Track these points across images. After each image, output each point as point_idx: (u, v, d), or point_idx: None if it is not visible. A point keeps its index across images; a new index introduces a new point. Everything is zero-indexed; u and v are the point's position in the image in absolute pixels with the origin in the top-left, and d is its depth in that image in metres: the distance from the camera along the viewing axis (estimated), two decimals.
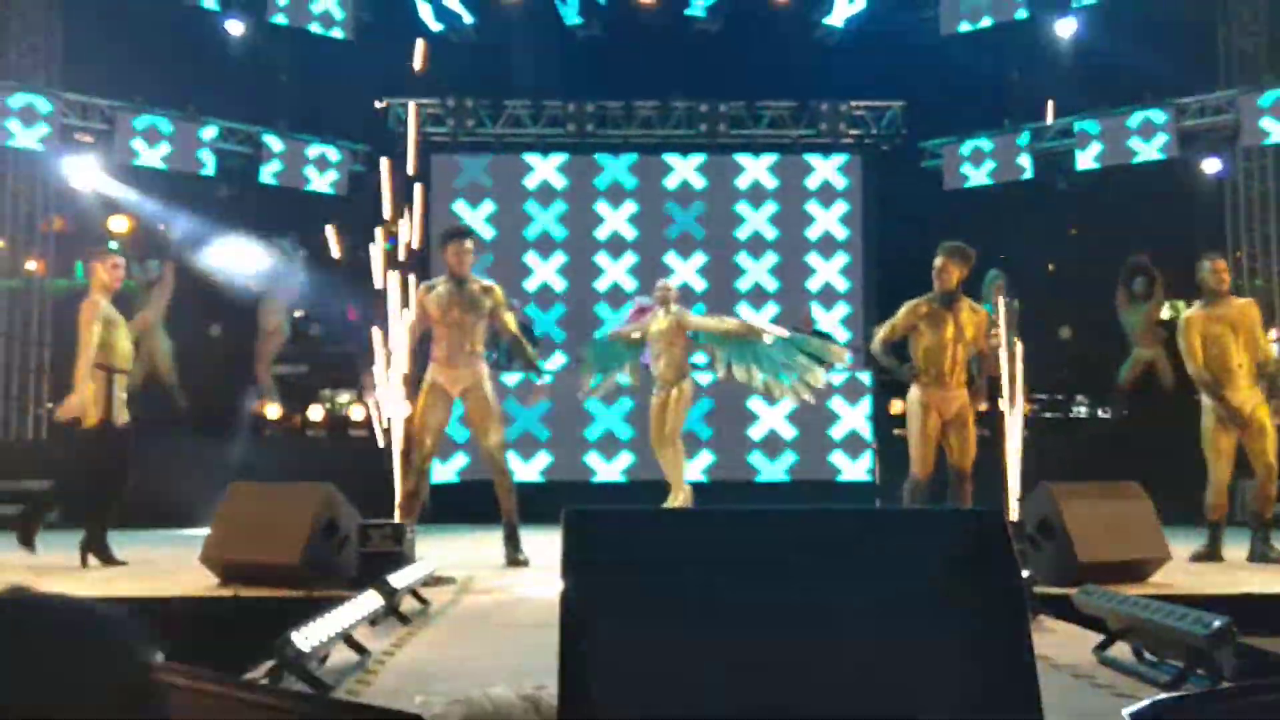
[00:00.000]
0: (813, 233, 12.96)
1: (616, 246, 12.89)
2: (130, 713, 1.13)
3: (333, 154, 12.43)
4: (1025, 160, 12.20)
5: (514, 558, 6.47)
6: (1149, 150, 11.59)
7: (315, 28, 12.13)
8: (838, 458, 11.13)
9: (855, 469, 11.13)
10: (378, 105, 12.22)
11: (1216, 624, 2.77)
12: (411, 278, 6.14)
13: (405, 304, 6.04)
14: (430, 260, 9.26)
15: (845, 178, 12.96)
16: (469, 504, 9.62)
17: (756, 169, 13.04)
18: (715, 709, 1.69)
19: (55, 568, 6.15)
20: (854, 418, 11.16)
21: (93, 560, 6.31)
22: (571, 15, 12.38)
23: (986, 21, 12.06)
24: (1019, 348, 6.23)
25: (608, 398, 10.00)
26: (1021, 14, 11.90)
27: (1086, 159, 11.89)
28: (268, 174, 12.22)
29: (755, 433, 11.16)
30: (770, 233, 12.95)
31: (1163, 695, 2.82)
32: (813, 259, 12.92)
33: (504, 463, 6.72)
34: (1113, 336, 11.37)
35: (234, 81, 12.02)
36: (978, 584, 1.80)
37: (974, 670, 1.75)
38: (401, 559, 5.07)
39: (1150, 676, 3.13)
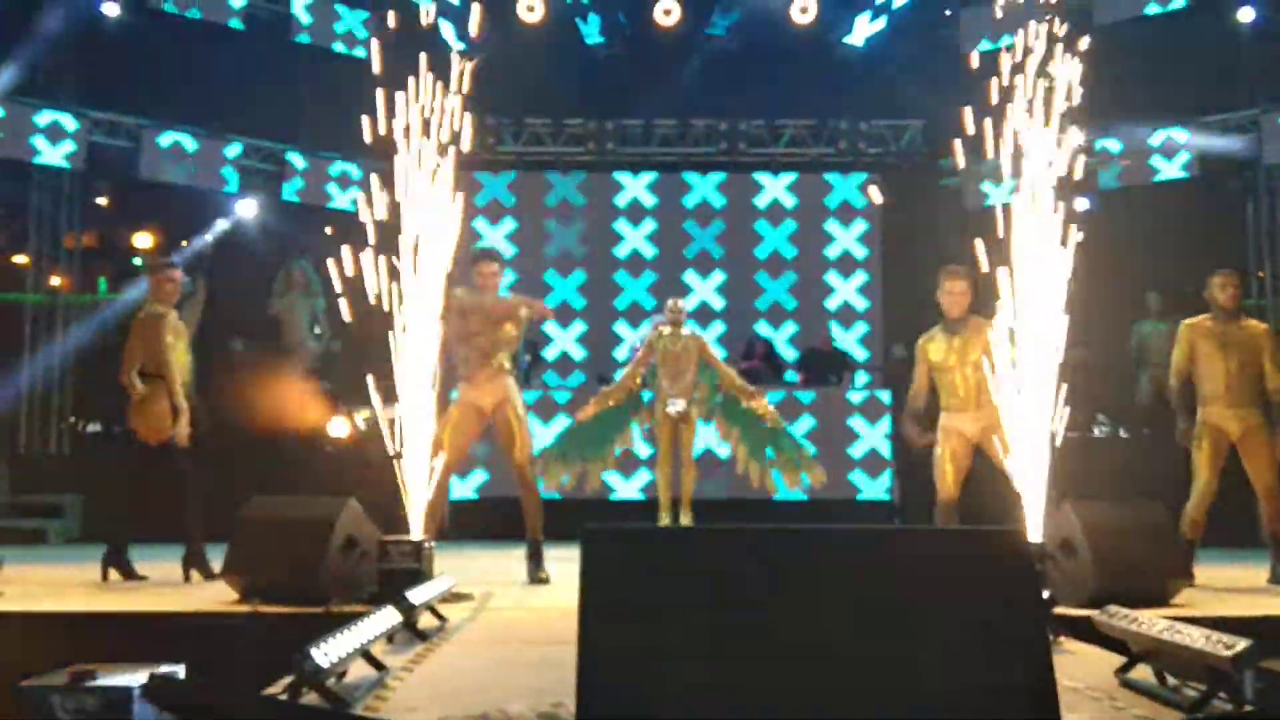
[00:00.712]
0: (832, 251, 12.96)
1: (636, 265, 12.92)
2: None
3: (354, 172, 12.54)
4: None
5: (536, 575, 6.45)
6: (1170, 168, 11.55)
7: (339, 47, 12.27)
8: (857, 476, 11.10)
9: (874, 488, 11.09)
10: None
11: (1240, 647, 2.74)
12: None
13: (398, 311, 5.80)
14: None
15: (864, 196, 12.96)
16: (488, 520, 9.63)
17: (775, 188, 13.06)
18: None
19: (75, 582, 6.18)
20: (873, 436, 11.13)
21: (114, 574, 6.33)
22: (592, 34, 12.46)
23: (1006, 41, 12.04)
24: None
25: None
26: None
27: (1107, 177, 11.85)
28: (290, 191, 12.35)
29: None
30: (789, 251, 12.96)
31: (1185, 719, 2.80)
32: (831, 278, 12.92)
33: (533, 480, 6.72)
34: (1127, 354, 11.30)
35: (258, 99, 12.13)
36: (999, 603, 1.80)
37: (993, 688, 1.74)
38: (420, 575, 5.07)
39: (1172, 700, 3.09)
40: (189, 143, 11.82)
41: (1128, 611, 3.56)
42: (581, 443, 8.31)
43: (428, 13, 6.40)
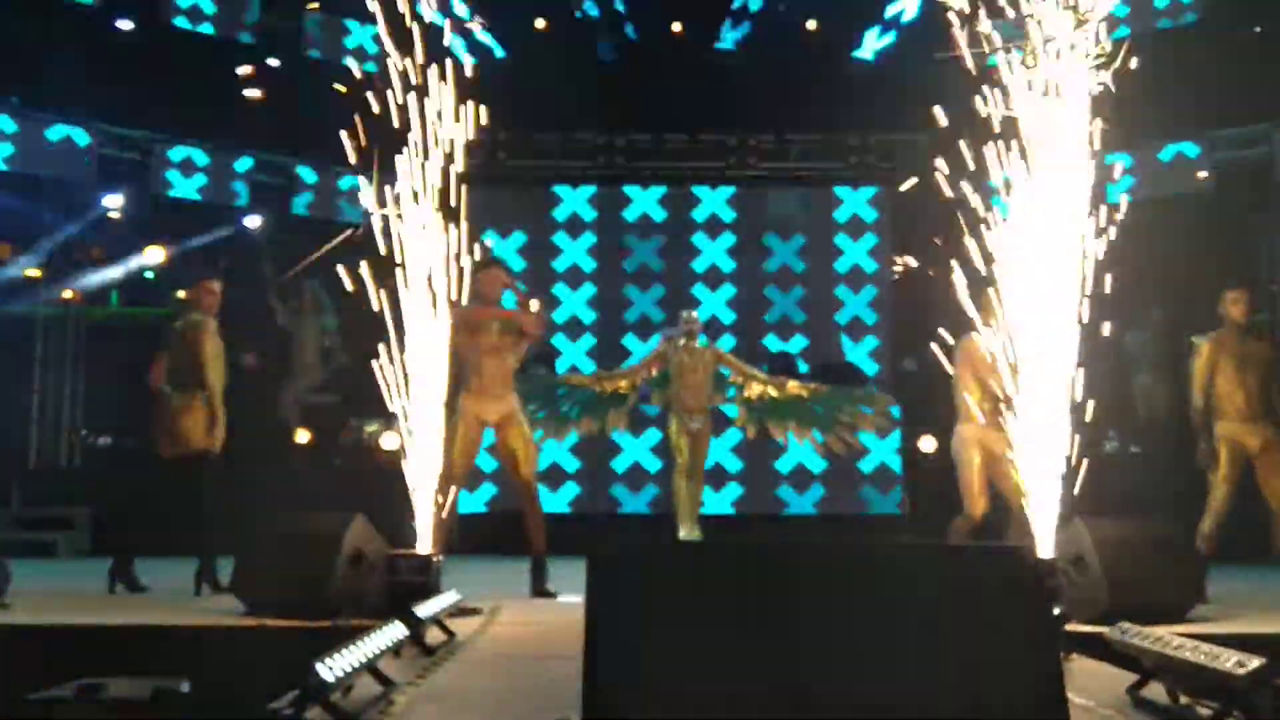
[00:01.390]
0: (841, 265, 12.94)
1: (645, 278, 12.91)
2: None
3: (363, 186, 12.57)
4: None
5: (541, 589, 6.45)
6: (1182, 183, 11.53)
7: (351, 63, 12.31)
8: (867, 491, 11.07)
9: (885, 502, 11.06)
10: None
11: (1254, 665, 2.72)
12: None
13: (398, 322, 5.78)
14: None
15: (874, 210, 12.95)
16: (496, 534, 9.62)
17: (783, 201, 13.05)
18: None
19: (84, 595, 6.19)
20: (883, 451, 11.10)
21: (120, 588, 6.34)
22: (602, 48, 12.49)
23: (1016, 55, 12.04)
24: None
25: (608, 431, 9.38)
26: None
27: (1118, 192, 11.81)
28: (300, 205, 12.40)
29: (784, 466, 11.11)
30: (798, 265, 12.95)
31: None
32: (841, 292, 12.90)
33: (537, 496, 6.74)
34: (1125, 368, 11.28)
35: (268, 114, 12.18)
36: (1010, 620, 1.78)
37: (1005, 705, 1.72)
38: (428, 589, 5.06)
39: (1186, 717, 3.07)
40: (199, 157, 11.90)
41: (1140, 628, 3.53)
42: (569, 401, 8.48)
43: (439, 28, 6.42)
